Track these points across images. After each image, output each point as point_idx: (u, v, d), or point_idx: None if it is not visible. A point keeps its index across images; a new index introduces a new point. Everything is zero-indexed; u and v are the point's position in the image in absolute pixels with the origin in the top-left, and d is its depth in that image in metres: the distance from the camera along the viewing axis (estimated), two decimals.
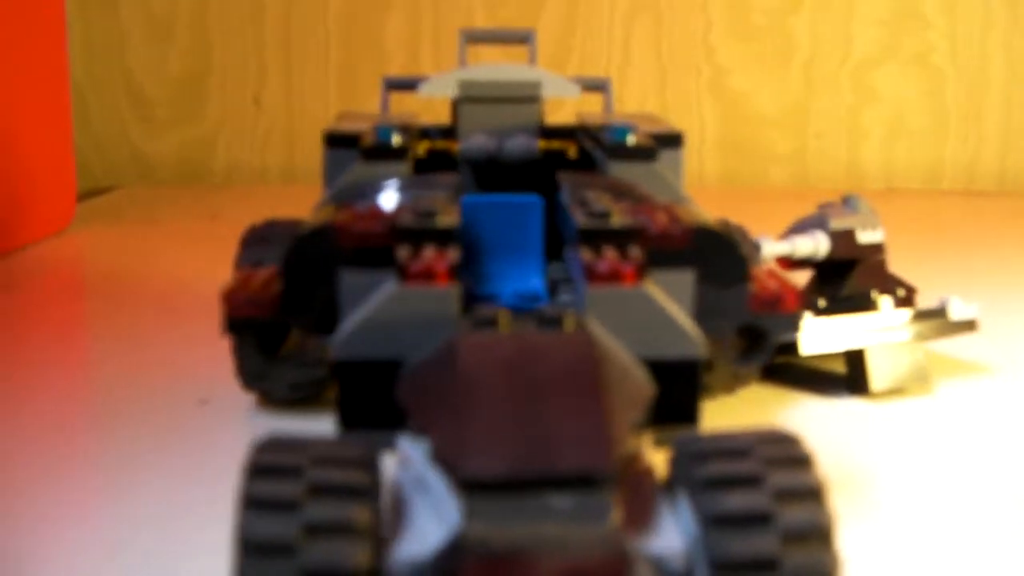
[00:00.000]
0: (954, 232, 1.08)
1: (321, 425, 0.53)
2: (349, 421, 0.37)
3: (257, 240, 0.53)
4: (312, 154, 1.32)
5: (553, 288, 0.48)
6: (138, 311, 0.75)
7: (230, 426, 0.54)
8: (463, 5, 1.28)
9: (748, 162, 1.30)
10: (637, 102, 1.28)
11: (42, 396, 0.59)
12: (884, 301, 0.58)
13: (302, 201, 1.15)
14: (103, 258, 0.93)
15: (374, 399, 0.36)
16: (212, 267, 0.86)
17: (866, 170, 1.31)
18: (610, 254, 0.38)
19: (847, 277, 0.60)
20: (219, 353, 0.62)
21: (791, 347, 0.55)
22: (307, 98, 1.31)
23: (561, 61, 1.27)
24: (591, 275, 0.37)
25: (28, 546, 0.41)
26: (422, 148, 0.56)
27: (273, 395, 0.54)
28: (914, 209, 1.17)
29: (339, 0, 1.29)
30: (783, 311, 0.42)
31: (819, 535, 0.28)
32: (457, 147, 0.56)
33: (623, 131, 0.50)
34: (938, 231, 1.07)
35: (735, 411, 0.54)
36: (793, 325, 0.42)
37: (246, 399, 0.56)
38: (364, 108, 1.25)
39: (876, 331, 0.56)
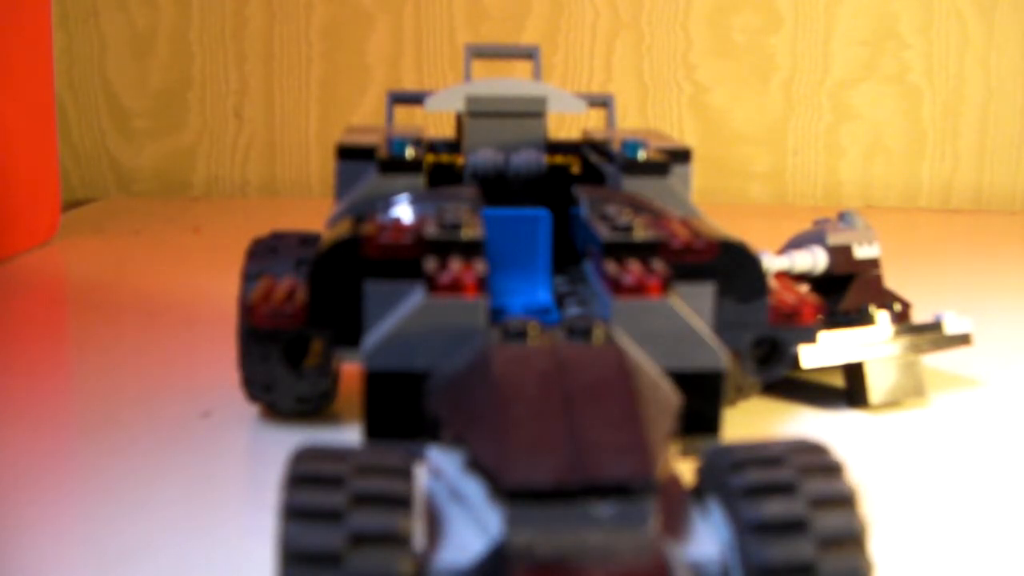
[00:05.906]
0: (932, 249, 1.10)
1: (328, 437, 0.53)
2: (375, 431, 0.37)
3: (264, 251, 0.53)
4: (292, 167, 1.33)
5: (559, 301, 0.48)
6: (128, 323, 0.75)
7: (237, 438, 0.53)
8: (445, 21, 1.29)
9: (727, 179, 1.32)
10: (619, 119, 1.29)
11: (35, 410, 0.58)
12: (881, 315, 0.59)
13: (284, 214, 1.16)
14: (90, 269, 0.92)
15: (400, 410, 0.37)
16: (199, 279, 0.86)
17: (844, 188, 1.32)
18: (634, 267, 0.39)
19: (844, 292, 0.61)
20: (214, 365, 0.62)
21: (791, 361, 0.56)
22: (288, 112, 1.31)
23: (543, 78, 1.28)
24: (617, 287, 0.38)
25: (29, 565, 0.41)
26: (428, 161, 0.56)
27: (279, 407, 0.54)
28: (891, 226, 1.18)
29: (321, 14, 1.29)
30: (800, 324, 0.43)
31: (853, 541, 0.29)
32: (461, 161, 0.57)
33: (635, 147, 0.51)
34: (916, 248, 1.08)
35: (738, 424, 0.54)
36: (810, 337, 0.43)
37: (249, 411, 0.56)
38: (346, 122, 1.25)
39: (874, 345, 0.57)
